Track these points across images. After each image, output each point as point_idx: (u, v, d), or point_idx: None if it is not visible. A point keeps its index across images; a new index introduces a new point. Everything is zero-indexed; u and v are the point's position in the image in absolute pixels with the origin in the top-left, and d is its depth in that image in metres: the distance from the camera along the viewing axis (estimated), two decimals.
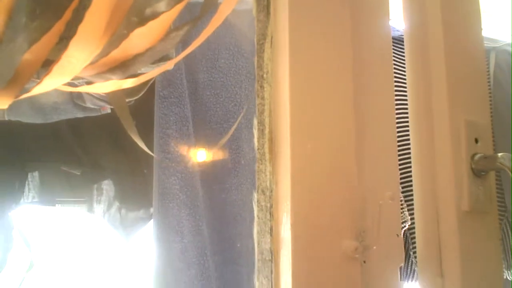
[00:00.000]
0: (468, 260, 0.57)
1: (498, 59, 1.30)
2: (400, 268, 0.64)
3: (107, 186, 1.11)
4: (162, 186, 0.91)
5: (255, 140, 0.62)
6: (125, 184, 1.13)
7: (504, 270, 1.21)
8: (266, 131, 0.59)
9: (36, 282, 1.23)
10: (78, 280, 1.28)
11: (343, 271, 0.56)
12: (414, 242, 0.92)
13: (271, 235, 0.57)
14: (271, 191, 0.58)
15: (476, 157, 0.56)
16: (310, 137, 0.56)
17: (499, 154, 0.54)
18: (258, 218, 0.60)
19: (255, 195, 0.61)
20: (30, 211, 1.09)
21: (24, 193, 1.02)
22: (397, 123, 0.59)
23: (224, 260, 0.85)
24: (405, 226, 1.08)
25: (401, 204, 1.06)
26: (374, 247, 0.58)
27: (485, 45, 1.27)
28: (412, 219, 1.00)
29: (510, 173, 0.53)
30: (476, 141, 0.58)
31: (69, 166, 1.05)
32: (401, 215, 1.07)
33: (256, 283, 0.60)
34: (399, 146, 0.61)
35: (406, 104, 0.63)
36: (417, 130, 0.61)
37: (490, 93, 1.28)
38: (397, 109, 0.59)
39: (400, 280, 0.61)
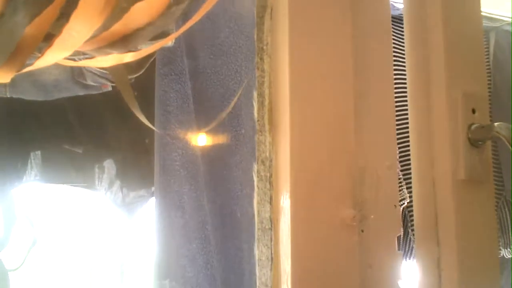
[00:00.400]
0: (464, 229, 0.58)
1: (498, 39, 1.31)
2: (398, 238, 0.65)
3: (109, 164, 1.11)
4: (163, 162, 0.92)
5: (255, 112, 0.63)
6: (127, 164, 1.13)
7: (501, 248, 1.23)
8: (266, 102, 0.60)
9: (40, 258, 1.25)
10: (81, 256, 1.30)
11: (341, 239, 0.57)
12: (413, 220, 0.93)
13: (270, 204, 0.58)
14: (271, 161, 0.59)
15: (473, 127, 0.57)
16: (309, 107, 0.56)
17: (496, 124, 0.55)
18: (258, 188, 0.61)
19: (255, 166, 0.62)
20: (33, 189, 1.10)
21: (27, 171, 1.03)
22: (396, 94, 0.60)
23: (225, 234, 0.86)
24: (403, 203, 1.09)
25: (400, 182, 1.07)
26: (372, 217, 0.59)
27: (485, 25, 1.27)
28: (410, 197, 1.01)
29: (506, 142, 0.54)
30: (473, 111, 0.59)
31: (71, 145, 1.06)
32: (400, 192, 1.08)
33: (256, 252, 0.61)
34: (397, 119, 0.62)
35: (405, 76, 0.63)
36: (415, 101, 0.62)
37: (489, 72, 1.28)
38: (395, 81, 0.60)
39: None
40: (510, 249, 1.22)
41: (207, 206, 0.89)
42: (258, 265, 0.60)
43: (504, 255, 1.26)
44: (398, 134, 0.62)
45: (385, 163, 0.57)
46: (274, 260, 0.57)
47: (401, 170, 1.10)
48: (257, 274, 0.61)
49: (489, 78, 1.27)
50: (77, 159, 1.08)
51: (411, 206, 0.94)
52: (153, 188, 1.04)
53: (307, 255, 0.56)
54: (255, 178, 0.62)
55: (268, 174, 0.59)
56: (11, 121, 1.00)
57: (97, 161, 1.13)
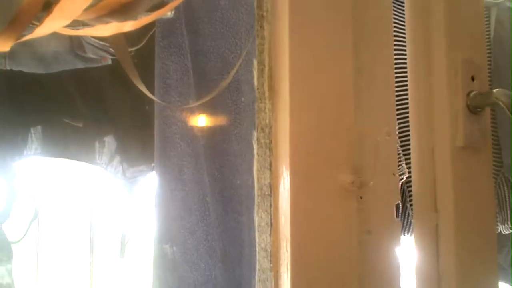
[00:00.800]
0: (462, 195, 0.59)
1: (499, 15, 1.30)
2: (397, 211, 0.66)
3: (109, 140, 1.12)
4: (163, 135, 0.92)
5: (255, 80, 0.63)
6: (127, 139, 1.14)
7: (498, 224, 1.24)
8: (266, 69, 0.60)
9: (41, 231, 1.26)
10: (82, 228, 1.31)
11: (340, 205, 0.58)
12: (411, 195, 0.94)
13: (270, 171, 0.59)
14: (271, 128, 0.59)
15: (472, 94, 0.57)
16: (309, 74, 0.56)
17: (495, 90, 0.55)
18: (258, 155, 0.61)
19: (255, 134, 0.62)
20: (34, 162, 1.11)
21: (27, 146, 1.03)
22: (395, 62, 0.60)
23: (225, 204, 0.87)
24: (402, 178, 1.10)
25: (399, 157, 1.08)
26: (371, 183, 0.59)
27: (486, 0, 1.26)
28: (409, 172, 1.02)
29: (505, 108, 0.54)
30: (472, 79, 0.59)
31: (71, 119, 1.06)
32: (399, 168, 1.08)
33: (256, 218, 0.62)
34: (396, 89, 0.62)
35: (405, 43, 0.63)
36: (415, 69, 0.62)
37: (489, 49, 1.28)
38: (395, 48, 0.60)
39: None
40: (508, 225, 1.23)
41: (207, 179, 0.89)
42: (258, 231, 0.61)
43: (502, 231, 1.27)
44: (397, 106, 0.63)
45: (384, 129, 0.57)
46: (273, 225, 0.58)
47: (401, 146, 1.10)
48: (257, 240, 0.61)
49: (489, 55, 1.27)
50: (78, 134, 1.08)
51: (410, 181, 0.95)
52: (153, 164, 1.04)
53: (306, 220, 0.56)
54: (255, 146, 0.63)
55: (267, 141, 0.59)
56: (11, 94, 1.00)
57: (98, 136, 1.13)
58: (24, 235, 1.03)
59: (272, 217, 0.58)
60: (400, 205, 1.16)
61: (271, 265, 0.57)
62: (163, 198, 0.90)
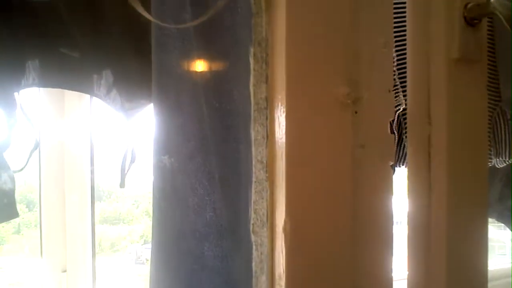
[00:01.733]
0: (455, 107, 0.60)
1: None
2: (391, 122, 0.67)
3: (107, 72, 1.11)
4: (160, 63, 0.92)
5: None
6: (125, 72, 1.13)
7: (492, 157, 1.26)
8: None
9: (42, 160, 1.28)
10: (82, 159, 1.33)
11: (335, 117, 0.58)
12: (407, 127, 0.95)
13: (266, 84, 0.59)
14: (267, 42, 0.59)
15: (469, 5, 0.57)
16: None
17: (492, 0, 0.54)
18: (254, 70, 0.62)
19: (252, 49, 0.62)
20: (32, 93, 1.11)
21: (25, 76, 1.03)
22: None
23: (223, 133, 0.88)
24: (399, 109, 1.11)
25: (396, 88, 1.08)
26: (366, 97, 0.60)
27: None
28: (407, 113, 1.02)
29: (503, 19, 0.54)
30: None
31: (68, 49, 1.05)
32: (396, 98, 1.09)
33: (252, 132, 0.63)
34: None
35: None
36: None
37: None
38: None
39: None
40: (502, 158, 1.25)
41: (205, 105, 0.90)
42: (254, 145, 0.62)
43: (496, 164, 1.29)
44: (395, 29, 0.62)
45: (380, 40, 0.57)
46: (269, 137, 0.59)
47: (399, 78, 1.10)
48: (253, 153, 0.63)
49: None
50: (75, 65, 1.08)
51: (406, 113, 0.95)
52: (151, 98, 1.05)
53: (301, 132, 0.57)
54: (251, 61, 0.63)
55: (264, 55, 0.60)
56: (5, 21, 0.99)
57: (95, 68, 1.13)
58: (26, 164, 1.05)
59: (268, 130, 0.59)
60: (396, 136, 1.18)
61: (267, 175, 0.59)
62: (161, 126, 0.91)
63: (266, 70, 0.58)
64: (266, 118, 0.59)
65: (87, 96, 1.32)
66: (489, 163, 1.30)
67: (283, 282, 0.57)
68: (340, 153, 0.59)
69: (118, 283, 2.36)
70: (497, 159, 1.26)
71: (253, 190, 0.63)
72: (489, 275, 0.71)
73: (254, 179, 0.62)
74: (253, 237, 0.63)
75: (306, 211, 0.56)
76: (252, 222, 0.63)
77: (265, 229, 0.60)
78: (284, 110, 0.57)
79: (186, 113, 0.91)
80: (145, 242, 2.56)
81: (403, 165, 1.20)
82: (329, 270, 0.57)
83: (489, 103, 1.22)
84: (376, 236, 0.58)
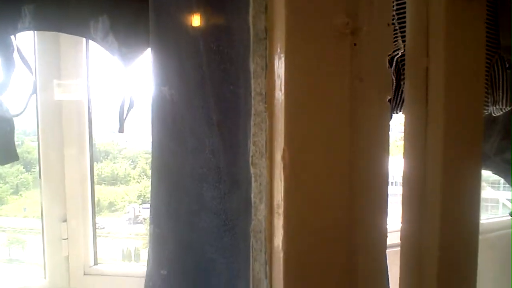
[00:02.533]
0: (453, 41, 0.60)
1: None
2: (389, 57, 0.67)
3: (103, 17, 1.10)
4: (157, 5, 0.91)
5: None
6: (122, 18, 1.12)
7: (490, 105, 1.26)
8: None
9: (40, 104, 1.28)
10: (80, 103, 1.33)
11: (334, 48, 0.59)
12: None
13: (265, 13, 0.59)
14: None
15: None
16: None
17: None
18: (254, 1, 0.61)
19: None
20: (29, 36, 1.09)
21: (21, 19, 1.02)
22: None
23: (221, 73, 0.88)
24: (397, 54, 1.10)
25: (395, 33, 1.07)
26: (365, 29, 0.60)
27: None
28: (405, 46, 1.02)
29: None
30: None
31: None
32: (395, 43, 1.08)
33: (251, 64, 0.63)
34: None
35: None
36: None
37: None
38: None
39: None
40: (499, 106, 1.25)
41: (203, 47, 0.89)
42: (253, 77, 0.63)
43: (493, 112, 1.29)
44: None
45: None
46: (268, 67, 0.59)
47: (398, 23, 1.09)
48: (252, 86, 0.63)
49: None
50: (72, 10, 1.07)
51: (404, 58, 0.95)
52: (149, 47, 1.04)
53: (300, 62, 0.57)
54: None
55: None
56: None
57: (92, 14, 1.11)
58: (24, 109, 1.05)
59: (267, 60, 0.59)
60: (394, 82, 1.18)
61: (266, 105, 0.59)
62: (160, 61, 0.90)
63: (266, 0, 0.58)
64: (265, 48, 0.59)
65: (83, 47, 1.31)
66: (485, 111, 1.31)
67: (281, 210, 0.58)
68: (339, 84, 0.60)
69: (116, 242, 2.41)
70: (494, 107, 1.26)
71: (252, 123, 0.63)
72: (481, 228, 0.72)
73: (253, 112, 0.63)
74: (252, 169, 0.64)
75: (304, 140, 0.57)
76: (251, 154, 0.64)
77: (264, 159, 0.61)
78: (284, 38, 0.57)
79: (184, 55, 0.91)
80: (143, 202, 2.59)
81: (400, 111, 1.21)
82: (326, 198, 0.58)
83: (487, 50, 1.22)
84: (372, 163, 0.59)
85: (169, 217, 0.93)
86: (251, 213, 0.64)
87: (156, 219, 0.91)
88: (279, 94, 0.57)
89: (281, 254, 0.57)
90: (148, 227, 0.93)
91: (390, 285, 0.85)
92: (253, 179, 0.64)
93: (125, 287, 1.56)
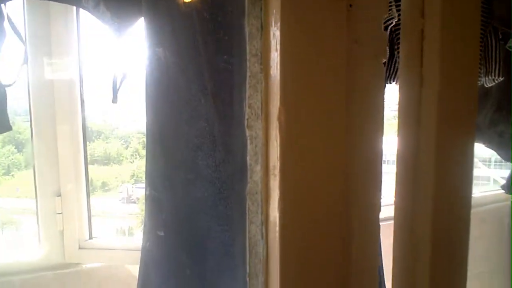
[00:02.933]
0: (448, 4, 0.60)
1: None
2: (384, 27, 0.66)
3: None
4: None
5: None
6: None
7: (482, 76, 1.27)
8: None
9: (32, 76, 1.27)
10: (73, 74, 1.32)
11: (330, 9, 0.58)
12: (399, 43, 0.95)
13: None
14: None
15: None
16: None
17: None
18: None
19: None
20: (19, 5, 1.08)
21: None
22: None
23: (214, 46, 0.88)
24: (391, 23, 1.10)
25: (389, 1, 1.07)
26: None
27: None
28: (399, 15, 1.01)
29: None
30: None
31: None
32: (389, 11, 1.08)
33: (246, 26, 0.62)
34: None
35: None
36: None
37: None
38: None
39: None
40: (492, 76, 1.26)
41: (196, 15, 0.89)
42: (248, 39, 0.62)
43: (485, 84, 1.30)
44: None
45: None
46: (264, 28, 0.59)
47: None
48: (248, 48, 0.63)
49: None
50: None
51: (399, 28, 0.95)
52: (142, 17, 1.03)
53: (295, 23, 0.57)
54: None
55: None
56: None
57: None
58: (16, 80, 1.04)
59: (262, 21, 0.59)
60: (387, 52, 1.17)
61: (261, 67, 0.59)
62: (152, 51, 0.90)
63: None
64: (261, 10, 0.59)
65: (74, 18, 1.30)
66: (478, 82, 1.31)
67: (277, 171, 0.59)
68: (335, 46, 0.59)
69: (110, 222, 2.42)
70: (487, 78, 1.27)
71: (247, 85, 0.63)
72: (473, 201, 0.72)
73: (248, 74, 0.62)
74: (247, 132, 0.64)
75: (300, 100, 0.57)
76: (246, 117, 0.64)
77: (259, 121, 0.61)
78: (279, 5, 0.56)
79: (177, 25, 0.90)
80: (136, 182, 2.59)
81: (393, 81, 1.21)
82: (322, 158, 0.58)
83: (481, 20, 1.22)
84: (367, 125, 0.59)
85: (165, 181, 0.93)
86: (247, 177, 0.65)
87: (152, 182, 0.92)
88: (275, 54, 0.57)
89: (277, 214, 0.58)
90: (144, 190, 0.93)
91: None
92: (248, 141, 0.64)
93: (120, 261, 1.58)
